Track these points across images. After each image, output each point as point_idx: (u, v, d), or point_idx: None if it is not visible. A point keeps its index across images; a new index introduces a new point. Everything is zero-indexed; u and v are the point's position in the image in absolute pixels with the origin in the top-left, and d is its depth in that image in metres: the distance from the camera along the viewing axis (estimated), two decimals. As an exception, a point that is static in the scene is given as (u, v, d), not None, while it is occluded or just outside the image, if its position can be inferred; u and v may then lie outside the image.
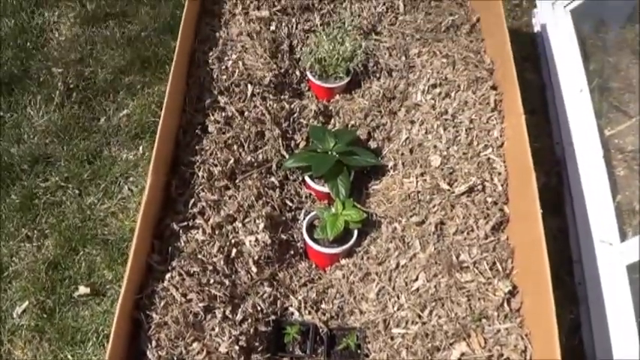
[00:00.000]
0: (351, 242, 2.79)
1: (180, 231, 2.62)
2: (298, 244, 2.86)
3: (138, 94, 3.67)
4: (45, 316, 2.98)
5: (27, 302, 3.01)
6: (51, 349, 2.90)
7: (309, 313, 2.70)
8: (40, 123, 3.52)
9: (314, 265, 2.86)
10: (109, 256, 3.12)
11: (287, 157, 2.96)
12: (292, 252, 2.84)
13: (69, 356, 2.87)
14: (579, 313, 3.02)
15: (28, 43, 3.85)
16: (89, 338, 2.93)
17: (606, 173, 3.18)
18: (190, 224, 2.65)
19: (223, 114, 2.95)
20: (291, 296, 2.71)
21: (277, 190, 2.91)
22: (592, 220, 3.09)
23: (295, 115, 3.12)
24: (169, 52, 3.82)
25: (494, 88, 3.03)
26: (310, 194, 2.99)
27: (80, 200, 3.29)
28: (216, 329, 2.45)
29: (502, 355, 2.38)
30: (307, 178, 2.96)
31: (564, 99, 3.49)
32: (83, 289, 3.05)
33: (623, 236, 3.00)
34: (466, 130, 2.92)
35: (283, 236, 2.82)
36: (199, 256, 2.58)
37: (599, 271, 2.96)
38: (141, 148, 3.47)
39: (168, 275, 2.50)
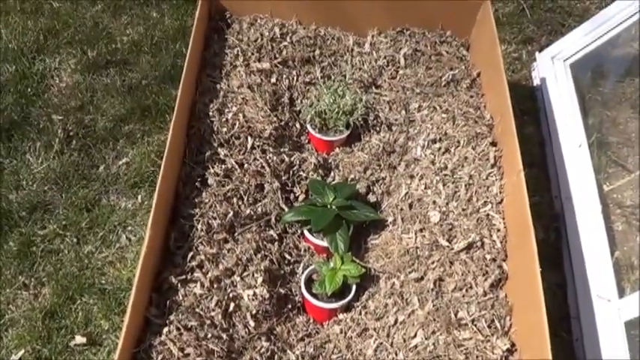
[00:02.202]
0: (350, 297, 2.79)
1: (179, 284, 2.61)
2: (296, 298, 2.86)
3: (137, 142, 3.67)
4: (40, 365, 2.94)
5: (23, 351, 2.98)
6: (46, 400, 2.87)
7: (307, 368, 2.68)
8: (39, 170, 3.52)
9: (312, 320, 2.84)
10: (106, 306, 3.10)
11: (286, 210, 2.97)
12: (290, 306, 2.83)
13: (63, 408, 2.84)
14: (578, 370, 3.00)
15: (29, 89, 3.86)
16: (85, 389, 2.90)
17: (604, 228, 3.19)
18: (189, 278, 2.64)
19: (223, 166, 2.95)
20: (288, 351, 2.70)
21: (276, 243, 2.91)
22: (590, 275, 3.09)
23: (295, 167, 3.13)
24: (170, 101, 3.83)
25: (493, 144, 3.04)
26: (309, 247, 2.99)
27: (78, 248, 3.27)
28: (214, 385, 2.43)
29: (497, 418, 2.36)
30: (306, 232, 2.96)
31: (563, 153, 3.51)
32: (80, 339, 3.02)
33: (622, 292, 3.00)
34: (465, 186, 2.92)
35: (281, 290, 2.81)
36: (197, 310, 2.57)
37: (597, 327, 2.95)
38: (139, 197, 3.47)
39: (165, 329, 2.48)
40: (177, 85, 3.68)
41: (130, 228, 3.38)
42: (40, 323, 3.06)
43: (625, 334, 2.86)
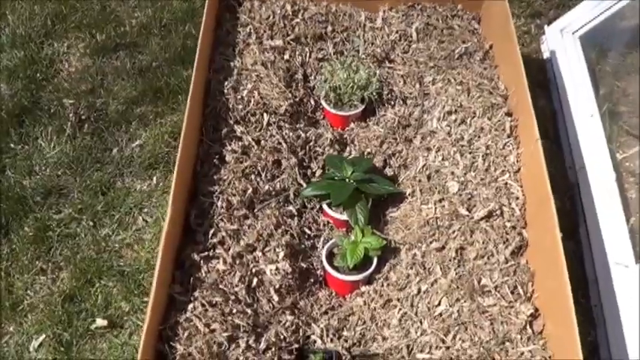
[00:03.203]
0: (371, 269, 2.79)
1: (201, 261, 2.61)
2: (318, 272, 2.86)
3: (150, 124, 3.66)
4: (62, 349, 2.94)
5: (43, 336, 2.97)
6: (70, 382, 2.87)
7: (332, 340, 2.69)
8: (51, 155, 3.51)
9: (334, 293, 2.85)
10: (125, 288, 3.10)
11: (304, 185, 2.97)
12: (312, 280, 2.84)
13: (87, 390, 2.85)
14: (597, 335, 3.01)
15: (38, 74, 3.85)
16: (108, 371, 2.90)
17: (619, 196, 3.20)
18: (211, 254, 2.65)
19: (240, 143, 2.95)
20: (312, 324, 2.71)
21: (295, 218, 2.91)
22: (607, 242, 3.10)
23: (311, 143, 3.13)
24: (181, 82, 3.82)
25: (509, 114, 3.05)
26: (328, 222, 2.99)
27: (94, 232, 3.27)
28: (241, 359, 2.43)
29: (527, 379, 2.37)
30: (325, 206, 2.96)
31: (575, 124, 3.51)
32: (100, 322, 3.02)
33: (639, 258, 3.01)
34: (483, 156, 2.93)
35: (303, 264, 2.82)
36: (221, 286, 2.57)
37: (615, 293, 2.97)
38: (155, 178, 3.47)
39: (190, 306, 2.49)
40: (188, 67, 3.71)
41: (146, 210, 3.38)
42: (59, 307, 3.05)
43: (645, 299, 2.87)
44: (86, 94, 3.79)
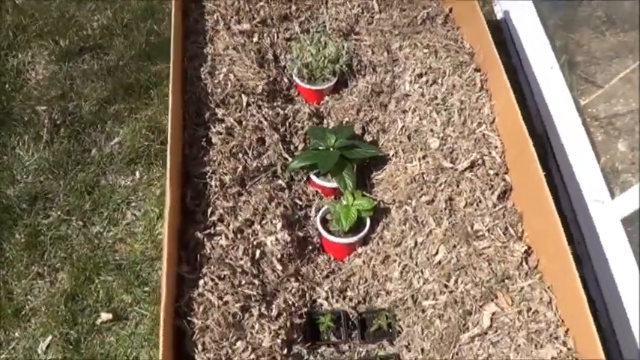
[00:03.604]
0: (365, 230, 2.90)
1: (205, 239, 2.69)
2: (314, 240, 2.96)
3: (126, 121, 3.71)
4: (71, 347, 2.98)
5: (50, 337, 3.01)
6: (83, 378, 2.91)
7: (337, 301, 2.80)
8: (31, 162, 3.53)
9: (332, 258, 2.94)
10: (125, 281, 3.15)
11: (289, 159, 3.06)
12: (310, 247, 2.94)
13: (101, 382, 2.90)
14: (584, 272, 3.14)
15: (7, 86, 3.86)
16: (119, 362, 2.95)
17: (587, 139, 3.35)
18: (212, 232, 2.73)
19: (223, 125, 3.03)
20: (317, 288, 2.81)
21: (286, 191, 3.01)
22: (581, 183, 3.24)
23: (290, 119, 3.23)
24: (150, 77, 3.88)
25: (477, 70, 3.18)
26: (317, 192, 3.09)
27: (86, 231, 3.31)
28: (256, 326, 2.53)
29: (530, 309, 2.52)
30: (313, 176, 3.06)
31: (537, 77, 3.65)
32: (105, 316, 3.07)
33: (613, 194, 3.15)
34: (458, 111, 3.06)
35: (300, 233, 2.92)
36: (227, 261, 2.66)
37: (596, 229, 3.10)
38: (137, 173, 3.52)
39: (201, 282, 2.57)
40: (155, 62, 3.78)
41: (133, 204, 3.43)
42: (62, 307, 3.09)
43: (624, 231, 3.00)
44: (57, 99, 3.81)
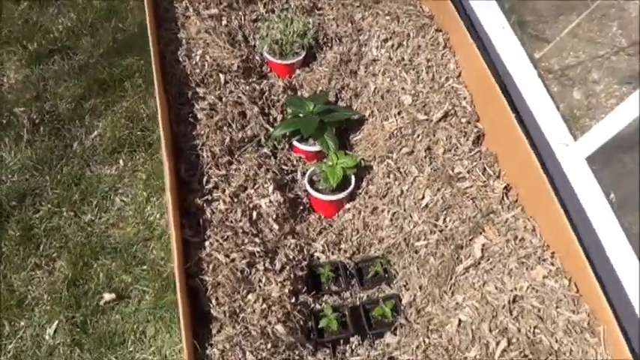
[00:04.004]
0: (352, 186, 3.07)
1: (204, 205, 2.83)
2: (304, 200, 3.12)
3: (103, 114, 3.82)
4: (78, 329, 3.07)
5: (56, 322, 3.10)
6: (94, 356, 2.99)
7: (333, 254, 2.97)
8: (14, 162, 3.62)
9: (322, 217, 3.11)
10: (123, 262, 3.26)
11: (271, 129, 3.22)
12: (301, 208, 3.11)
13: (112, 358, 2.99)
14: (555, 208, 3.33)
15: (-20, 93, 3.95)
16: (127, 338, 3.05)
17: (545, 89, 3.56)
18: (210, 198, 2.87)
19: (206, 102, 3.19)
20: (313, 243, 2.98)
21: (272, 158, 3.17)
22: (544, 129, 3.43)
23: (266, 93, 3.40)
24: (122, 71, 4.00)
25: (439, 30, 3.38)
26: (300, 157, 3.26)
27: (77, 220, 3.41)
28: (263, 279, 2.68)
29: (516, 237, 2.71)
30: (295, 142, 3.22)
31: (490, 37, 3.85)
32: (108, 296, 3.17)
33: (575, 137, 3.36)
34: (426, 69, 3.26)
35: (290, 195, 3.07)
36: (227, 223, 2.81)
37: (563, 169, 3.29)
38: (121, 161, 3.63)
39: (207, 243, 2.71)
40: (125, 56, 3.92)
41: (120, 190, 3.55)
42: (65, 293, 3.18)
43: (589, 169, 3.20)
44: (33, 100, 3.91)
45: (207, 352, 2.43)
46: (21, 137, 3.73)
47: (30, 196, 3.53)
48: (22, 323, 3.12)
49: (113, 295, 3.18)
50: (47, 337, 3.08)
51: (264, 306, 2.60)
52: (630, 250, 2.82)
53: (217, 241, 2.73)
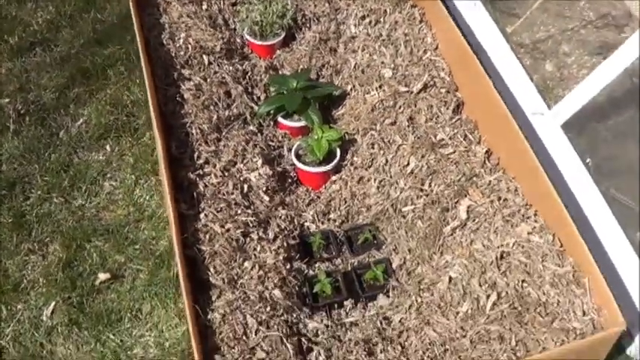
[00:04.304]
0: (337, 158, 3.18)
1: (197, 179, 2.92)
2: (291, 174, 3.22)
3: (87, 102, 3.87)
4: (75, 309, 3.12)
5: (53, 303, 3.14)
6: (92, 334, 3.05)
7: (323, 223, 3.07)
8: (2, 152, 3.66)
9: (310, 189, 3.20)
10: (116, 242, 3.31)
11: (255, 108, 3.32)
12: (289, 181, 3.20)
13: (111, 336, 3.04)
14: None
15: (-36, 87, 3.99)
16: (124, 315, 3.10)
17: (518, 62, 3.69)
18: (202, 173, 2.96)
19: (191, 83, 3.28)
20: (303, 214, 3.08)
21: (258, 135, 3.26)
22: (519, 99, 3.56)
23: (249, 73, 3.50)
24: (105, 60, 4.06)
25: (414, 6, 3.50)
26: (285, 133, 3.35)
27: (68, 205, 3.46)
28: (258, 248, 2.78)
29: (500, 197, 2.83)
30: (280, 119, 3.32)
31: (463, 15, 3.97)
32: (103, 275, 3.22)
33: (549, 106, 3.49)
34: (404, 44, 3.37)
35: (278, 169, 3.17)
36: (220, 196, 2.90)
37: (540, 138, 3.42)
38: (108, 147, 3.69)
39: (202, 215, 2.80)
40: (106, 46, 4.00)
41: (109, 175, 3.60)
42: (60, 275, 3.23)
43: (565, 136, 3.33)
44: (17, 92, 3.95)
45: (209, 316, 2.52)
46: (7, 128, 3.78)
47: (20, 184, 3.57)
48: (19, 306, 3.16)
49: (108, 275, 3.23)
50: (45, 319, 3.12)
51: (261, 272, 2.69)
52: (608, 211, 2.94)
53: (212, 212, 2.82)
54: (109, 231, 3.37)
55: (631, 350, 2.80)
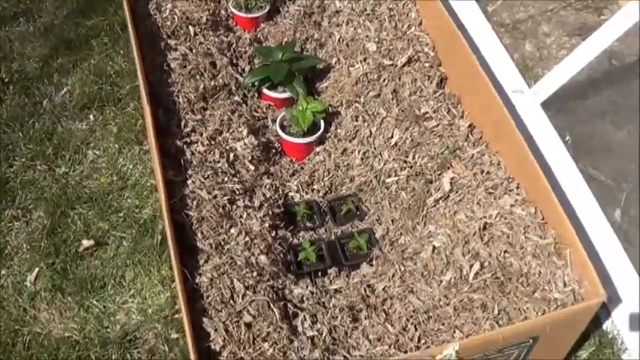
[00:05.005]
0: (321, 130, 3.22)
1: (184, 146, 2.95)
2: (275, 145, 3.26)
3: (71, 72, 3.88)
4: (58, 275, 3.14)
5: (37, 269, 3.16)
6: (75, 300, 3.08)
7: (307, 193, 3.12)
8: (-16, 120, 3.68)
9: (294, 160, 3.25)
10: (100, 209, 3.34)
11: (240, 79, 3.35)
12: (273, 151, 3.24)
13: (94, 302, 3.07)
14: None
15: (-55, 55, 3.98)
16: (107, 282, 3.13)
17: (499, 40, 3.75)
18: (189, 141, 2.99)
19: (177, 53, 3.31)
20: (287, 183, 3.13)
21: (243, 105, 3.29)
22: (499, 77, 3.62)
23: (234, 45, 3.53)
24: (88, 31, 4.07)
25: (399, -19, 3.55)
26: (270, 105, 3.40)
27: (52, 173, 3.48)
28: (244, 215, 2.82)
29: (483, 171, 2.89)
30: (265, 90, 3.37)
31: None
32: (87, 242, 3.24)
33: (529, 85, 3.55)
34: (388, 18, 3.42)
35: (263, 139, 3.20)
36: (206, 164, 2.93)
37: (520, 115, 3.49)
38: (91, 116, 3.71)
39: (189, 181, 2.84)
40: (89, 17, 4.01)
41: (92, 144, 3.62)
42: (43, 242, 3.25)
43: (544, 114, 3.40)
44: (1, 60, 3.96)
45: (197, 280, 2.55)
46: (-10, 95, 3.79)
47: (3, 151, 3.58)
48: (3, 272, 3.18)
49: (92, 242, 3.25)
50: (28, 284, 3.14)
51: (247, 239, 2.73)
52: (586, 188, 3.02)
53: (199, 179, 2.85)
54: (92, 199, 3.39)
55: (607, 325, 2.88)
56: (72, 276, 3.15)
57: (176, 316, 2.98)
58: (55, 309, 3.07)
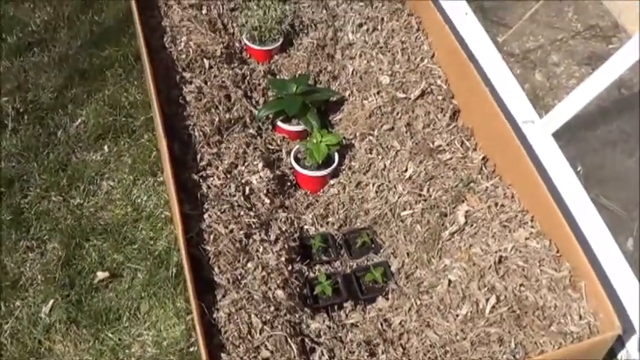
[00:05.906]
0: (336, 162, 3.25)
1: (200, 180, 2.98)
2: (290, 177, 3.28)
3: (85, 102, 3.91)
4: (73, 306, 3.14)
5: (52, 301, 3.17)
6: (90, 332, 3.08)
7: (322, 226, 3.13)
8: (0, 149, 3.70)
9: (308, 192, 3.27)
10: (114, 241, 3.35)
11: (254, 111, 3.38)
12: (288, 184, 3.26)
13: (109, 334, 3.08)
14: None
15: (-38, 86, 4.00)
16: (122, 314, 3.14)
17: (509, 71, 3.77)
18: (204, 174, 3.02)
19: (193, 85, 3.34)
20: (302, 216, 3.14)
21: (258, 138, 3.32)
22: (510, 108, 3.64)
23: (248, 78, 3.56)
24: (102, 61, 4.10)
25: (411, 14, 3.58)
26: (284, 137, 3.42)
27: (66, 204, 3.49)
28: (260, 249, 2.84)
29: (497, 203, 2.91)
30: (279, 123, 3.39)
31: (454, 23, 4.06)
32: (102, 274, 3.25)
33: (540, 115, 3.57)
34: (401, 51, 3.45)
35: (278, 172, 3.23)
36: (222, 197, 2.95)
37: (531, 145, 3.50)
38: (106, 147, 3.73)
39: (206, 215, 2.86)
40: (103, 48, 4.04)
41: (107, 175, 3.64)
42: (58, 273, 3.25)
43: (556, 144, 3.41)
44: (15, 91, 3.97)
45: (215, 315, 2.57)
46: (6, 126, 3.80)
47: (18, 181, 3.59)
48: (18, 303, 3.18)
49: (107, 274, 3.26)
50: (43, 316, 3.14)
51: (264, 273, 2.75)
52: (599, 218, 3.02)
53: (215, 214, 2.88)
54: (107, 230, 3.40)
55: (622, 355, 2.88)
56: (87, 308, 3.16)
57: (191, 349, 2.98)
58: (70, 341, 3.07)
